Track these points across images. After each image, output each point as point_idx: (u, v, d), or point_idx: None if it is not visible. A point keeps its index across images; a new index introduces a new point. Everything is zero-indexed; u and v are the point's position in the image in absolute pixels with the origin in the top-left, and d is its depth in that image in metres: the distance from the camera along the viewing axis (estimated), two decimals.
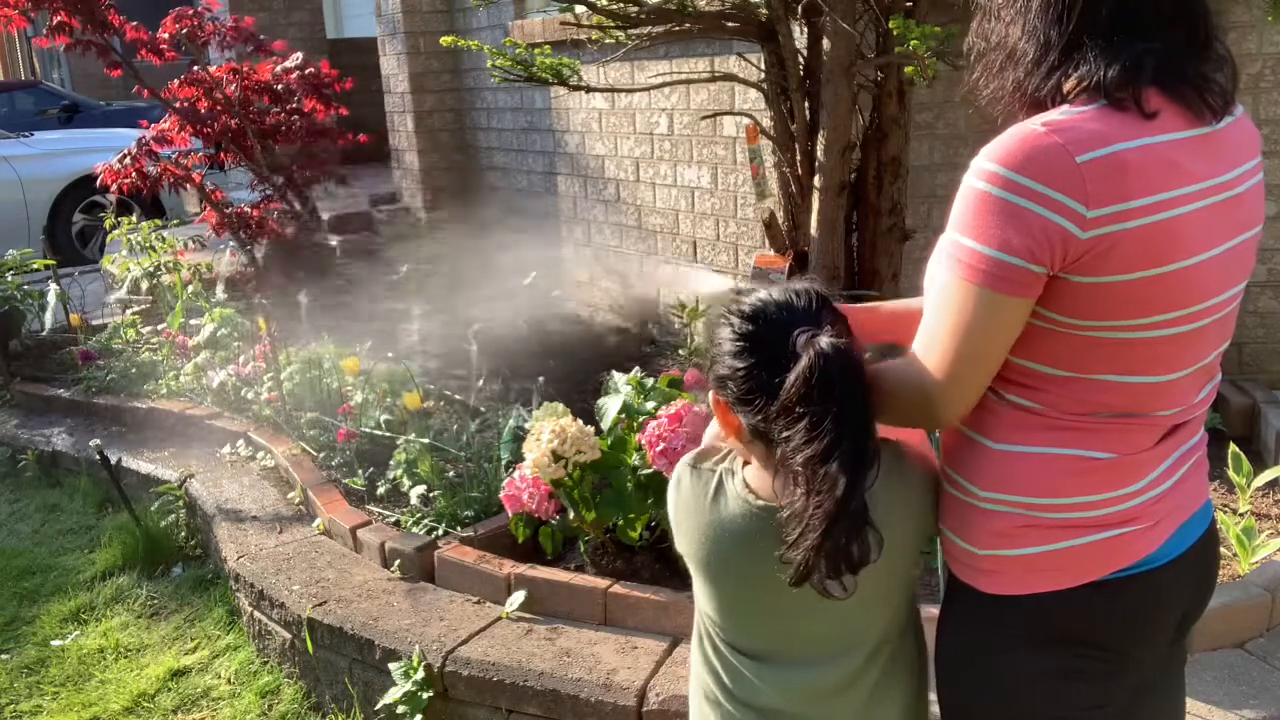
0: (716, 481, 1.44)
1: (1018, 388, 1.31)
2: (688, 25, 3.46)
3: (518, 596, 2.84)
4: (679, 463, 1.52)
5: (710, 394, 1.42)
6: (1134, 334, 1.24)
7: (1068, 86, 1.24)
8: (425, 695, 2.63)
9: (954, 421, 1.35)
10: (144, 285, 6.24)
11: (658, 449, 2.68)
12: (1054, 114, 1.22)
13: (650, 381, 3.05)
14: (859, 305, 1.57)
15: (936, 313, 1.28)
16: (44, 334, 5.91)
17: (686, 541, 1.47)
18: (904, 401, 1.34)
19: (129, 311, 6.08)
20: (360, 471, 3.69)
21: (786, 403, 1.26)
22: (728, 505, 1.41)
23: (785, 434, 1.27)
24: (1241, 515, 3.00)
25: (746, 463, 1.44)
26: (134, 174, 5.94)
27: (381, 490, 3.56)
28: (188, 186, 6.18)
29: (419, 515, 3.32)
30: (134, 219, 6.64)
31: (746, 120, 3.71)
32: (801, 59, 3.33)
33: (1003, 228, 1.19)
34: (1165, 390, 1.30)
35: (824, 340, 1.25)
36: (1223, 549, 1.58)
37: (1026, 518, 1.31)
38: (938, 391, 1.29)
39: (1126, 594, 1.32)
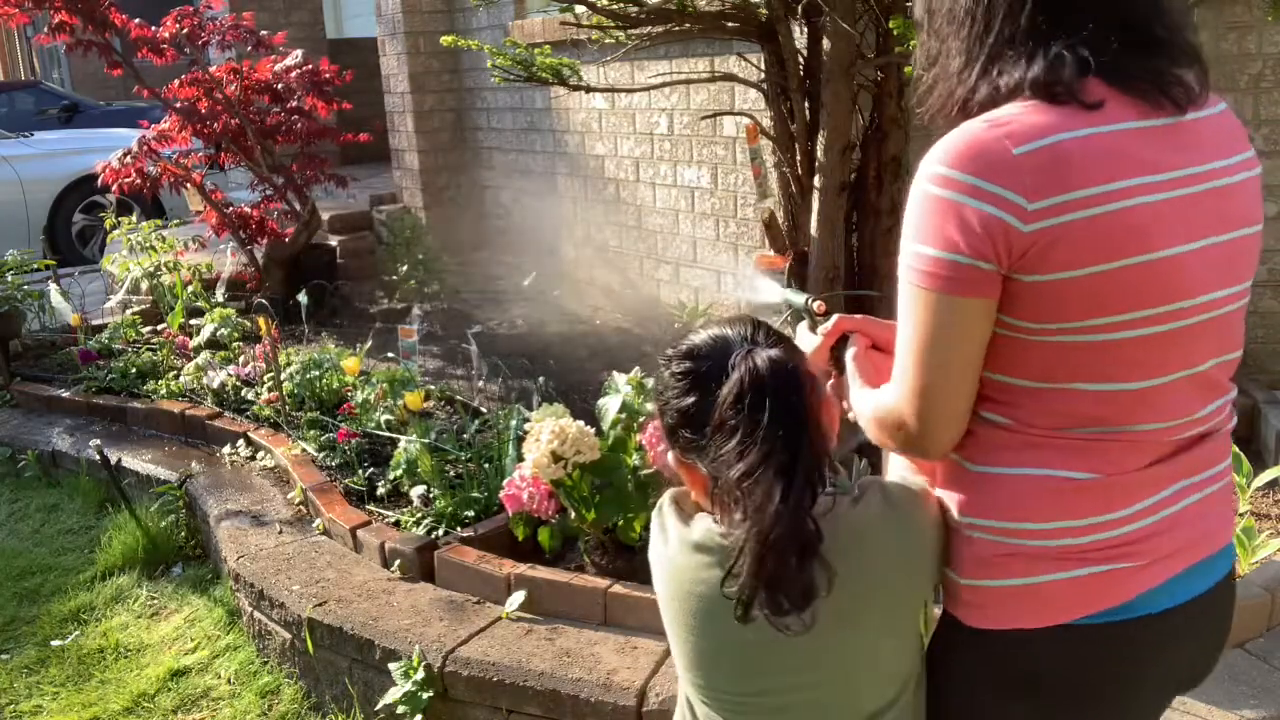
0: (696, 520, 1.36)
1: (992, 404, 1.26)
2: (688, 25, 3.46)
3: (518, 596, 2.84)
4: (664, 497, 1.43)
5: (671, 456, 1.35)
6: (1101, 335, 1.18)
7: (1004, 89, 1.22)
8: (425, 695, 2.63)
9: (941, 447, 1.27)
10: (144, 285, 6.24)
11: (658, 449, 2.68)
12: (998, 110, 1.20)
13: (650, 381, 3.05)
14: (881, 320, 1.51)
15: (903, 329, 1.24)
16: (43, 334, 5.91)
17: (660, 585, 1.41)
18: (887, 429, 1.30)
19: (129, 311, 6.08)
20: (360, 471, 3.69)
21: (719, 420, 1.22)
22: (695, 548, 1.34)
23: (720, 453, 1.21)
24: (1241, 515, 3.00)
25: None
26: (134, 173, 5.94)
27: (381, 490, 3.56)
28: (188, 186, 6.18)
29: (419, 515, 3.32)
30: (134, 219, 6.64)
31: (746, 120, 3.72)
32: (801, 59, 3.33)
33: (946, 226, 1.17)
34: (1148, 399, 1.22)
35: (759, 354, 1.22)
36: None
37: (1007, 545, 1.25)
38: (912, 413, 1.24)
39: (1111, 640, 1.25)
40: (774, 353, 1.23)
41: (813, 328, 1.55)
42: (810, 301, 1.57)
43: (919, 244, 1.19)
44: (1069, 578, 1.23)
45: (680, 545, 1.35)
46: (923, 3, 1.32)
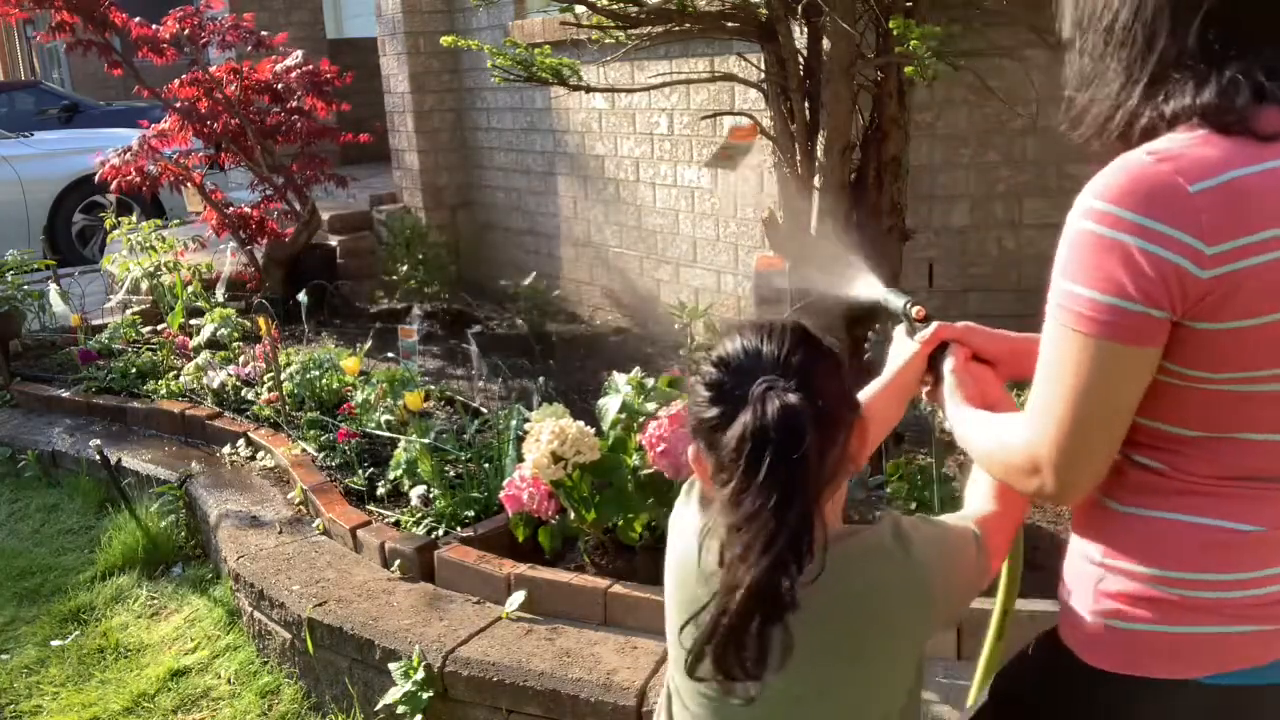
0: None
1: (1147, 449, 1.19)
2: (688, 25, 3.46)
3: (518, 596, 2.84)
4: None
5: (691, 450, 1.31)
6: (1275, 386, 1.11)
7: (1169, 115, 1.12)
8: (425, 695, 2.63)
9: (1078, 496, 1.20)
10: (144, 285, 6.24)
11: (658, 449, 2.68)
12: (1161, 141, 1.10)
13: (650, 381, 3.05)
14: (985, 329, 1.45)
15: (1049, 371, 1.15)
16: (43, 334, 5.91)
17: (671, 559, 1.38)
18: (1014, 469, 1.21)
19: (129, 311, 6.08)
20: (360, 471, 3.69)
21: (719, 462, 1.19)
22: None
23: (720, 491, 1.18)
24: None
25: None
26: (134, 172, 5.94)
27: (381, 490, 3.56)
28: (187, 186, 6.18)
29: (419, 515, 3.32)
30: (134, 219, 6.64)
31: (737, 121, 3.71)
32: (801, 59, 3.33)
33: (1114, 270, 1.07)
34: None
35: (775, 398, 1.15)
36: None
37: (1148, 590, 1.18)
38: (1052, 459, 1.15)
39: (1236, 703, 1.16)
40: (791, 398, 1.15)
41: (910, 333, 1.49)
42: (909, 306, 1.50)
43: (1076, 284, 1.10)
44: (1207, 633, 1.16)
45: (696, 532, 1.32)
46: (1071, 18, 1.23)
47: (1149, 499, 1.19)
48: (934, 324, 1.46)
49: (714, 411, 1.23)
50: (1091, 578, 1.23)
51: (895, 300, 1.53)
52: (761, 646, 1.14)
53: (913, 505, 2.86)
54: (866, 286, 1.57)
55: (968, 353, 1.43)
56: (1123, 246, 1.07)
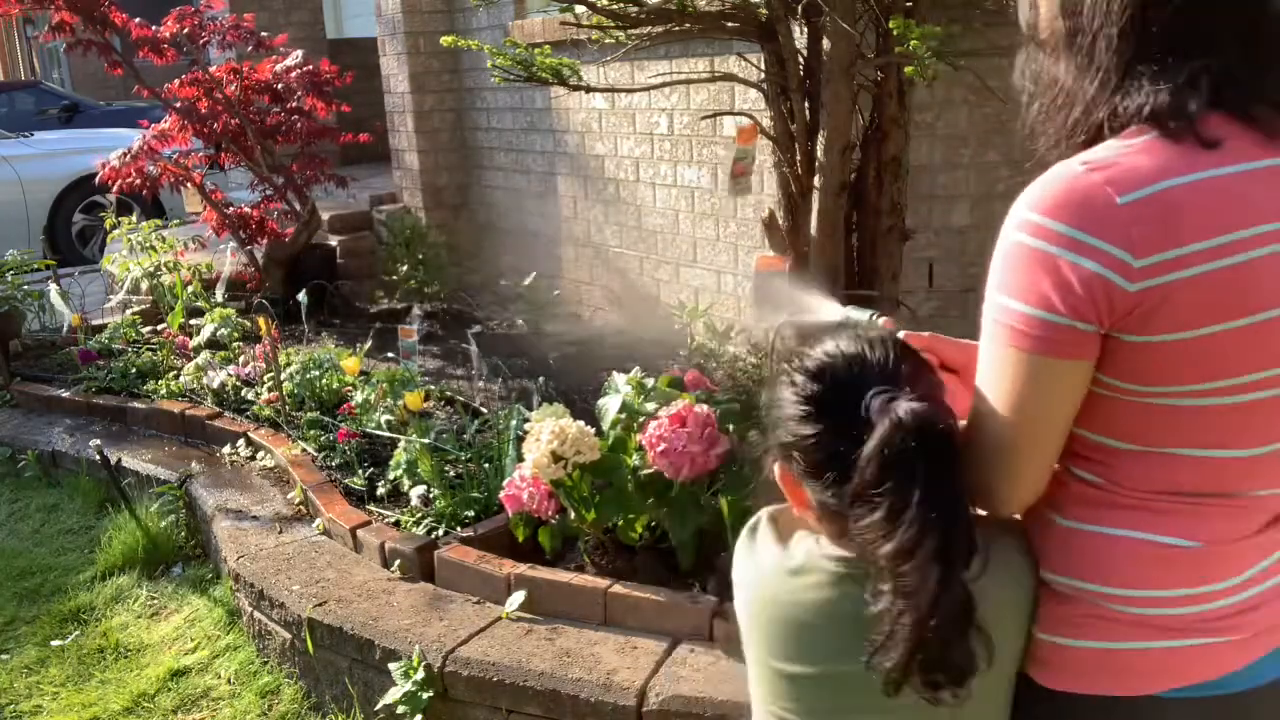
0: (799, 545, 1.25)
1: (1084, 461, 1.17)
2: (688, 25, 3.46)
3: (518, 596, 2.84)
4: (761, 515, 1.33)
5: (775, 465, 1.24)
6: (1207, 400, 1.08)
7: (1120, 116, 1.09)
8: (425, 695, 2.63)
9: (1020, 503, 1.20)
10: (144, 285, 6.24)
11: (659, 449, 2.68)
12: (1098, 150, 1.08)
13: (650, 381, 3.05)
14: (950, 339, 1.43)
15: (985, 381, 1.15)
16: (43, 334, 5.91)
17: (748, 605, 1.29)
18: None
19: (129, 311, 6.08)
20: (360, 471, 3.69)
21: (860, 486, 1.09)
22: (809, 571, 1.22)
23: (863, 523, 1.10)
24: None
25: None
26: (134, 173, 5.94)
27: (381, 490, 3.56)
28: (187, 186, 6.18)
29: (419, 515, 3.32)
30: (134, 219, 6.64)
31: (742, 121, 3.71)
32: (801, 59, 3.33)
33: (1041, 282, 1.06)
34: (1257, 467, 1.12)
35: (903, 406, 1.08)
36: None
37: (1094, 607, 1.16)
38: (990, 467, 1.15)
39: (1194, 716, 1.15)
40: (918, 406, 1.08)
41: None
42: (875, 318, 1.49)
43: (1008, 297, 1.09)
44: (1156, 648, 1.15)
45: (776, 571, 1.25)
46: (1026, 13, 1.19)
47: (1087, 511, 1.18)
48: (900, 334, 1.44)
49: (811, 429, 1.16)
50: (1041, 595, 1.22)
51: (859, 316, 1.52)
52: (963, 657, 1.10)
53: None
54: (826, 310, 1.54)
55: (934, 361, 1.41)
56: (1051, 259, 1.06)
